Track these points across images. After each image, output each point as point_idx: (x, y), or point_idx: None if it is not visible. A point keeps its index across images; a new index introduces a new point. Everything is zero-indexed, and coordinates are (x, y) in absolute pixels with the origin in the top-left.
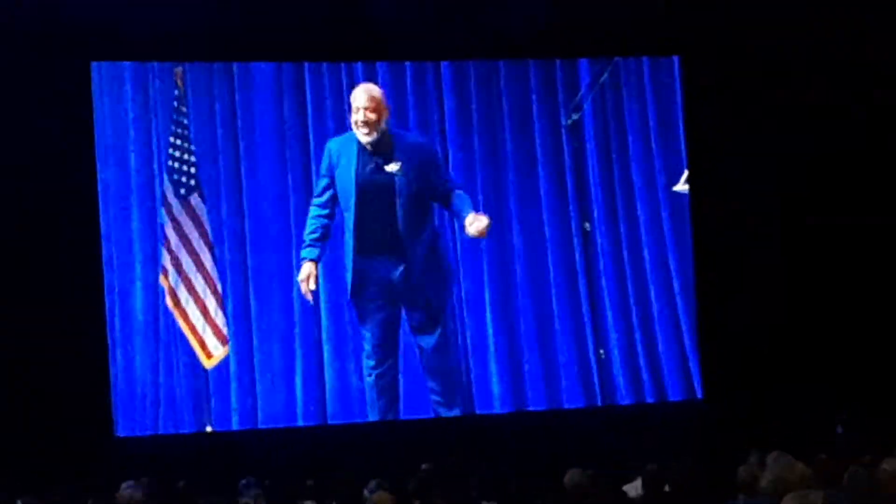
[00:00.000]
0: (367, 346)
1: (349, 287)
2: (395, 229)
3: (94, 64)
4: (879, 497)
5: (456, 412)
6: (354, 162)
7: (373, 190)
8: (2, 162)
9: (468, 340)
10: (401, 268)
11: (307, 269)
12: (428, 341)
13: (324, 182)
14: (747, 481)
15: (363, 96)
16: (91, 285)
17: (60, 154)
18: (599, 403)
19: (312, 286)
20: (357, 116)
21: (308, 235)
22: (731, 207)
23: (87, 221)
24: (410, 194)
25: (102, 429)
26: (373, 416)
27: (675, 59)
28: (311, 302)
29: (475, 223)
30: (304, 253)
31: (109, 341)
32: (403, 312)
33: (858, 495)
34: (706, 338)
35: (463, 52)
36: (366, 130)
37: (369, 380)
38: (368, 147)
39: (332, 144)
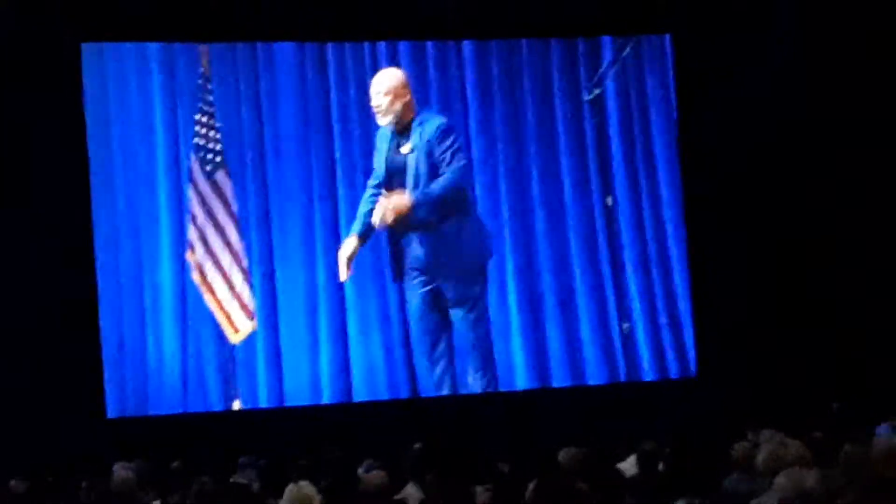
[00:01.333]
0: (413, 326)
1: (391, 268)
2: (414, 206)
3: (112, 45)
4: (873, 475)
5: (485, 388)
6: (386, 144)
7: (393, 170)
8: None
9: (490, 316)
10: (427, 244)
11: (349, 241)
12: (458, 315)
13: (374, 163)
14: (742, 459)
15: (375, 82)
16: (82, 266)
17: (57, 137)
18: (623, 379)
19: (349, 255)
20: (372, 102)
21: (359, 211)
22: (724, 189)
23: (80, 204)
24: (421, 173)
25: (95, 410)
26: (437, 392)
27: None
28: (347, 274)
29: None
30: (352, 227)
31: (130, 320)
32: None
33: (853, 473)
34: (701, 314)
35: (485, 30)
36: (380, 115)
37: (424, 360)
38: (393, 129)
39: (381, 129)
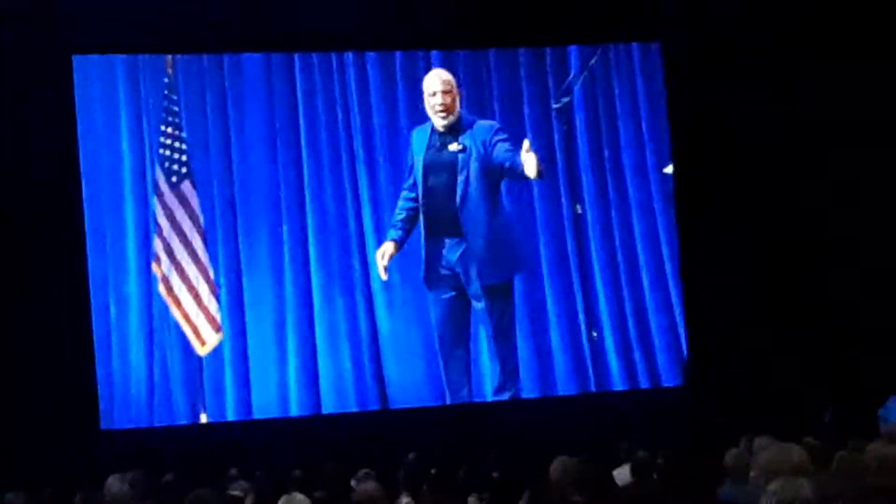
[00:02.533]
0: (435, 333)
1: (422, 272)
2: (455, 208)
3: (78, 57)
4: (867, 482)
5: (505, 396)
6: (426, 144)
7: (437, 168)
8: None
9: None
10: (462, 248)
11: (384, 247)
12: (487, 323)
13: (409, 168)
14: (735, 467)
15: (437, 80)
16: (76, 277)
17: (44, 147)
18: (593, 389)
19: (385, 262)
20: (434, 101)
21: (394, 217)
22: (716, 195)
23: (71, 213)
24: (471, 171)
25: (89, 422)
26: (449, 401)
27: (657, 44)
28: (384, 277)
29: (528, 162)
30: (388, 233)
31: (99, 332)
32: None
33: (847, 480)
34: (693, 323)
35: (452, 40)
36: (443, 114)
37: (443, 366)
38: (440, 129)
39: (414, 132)
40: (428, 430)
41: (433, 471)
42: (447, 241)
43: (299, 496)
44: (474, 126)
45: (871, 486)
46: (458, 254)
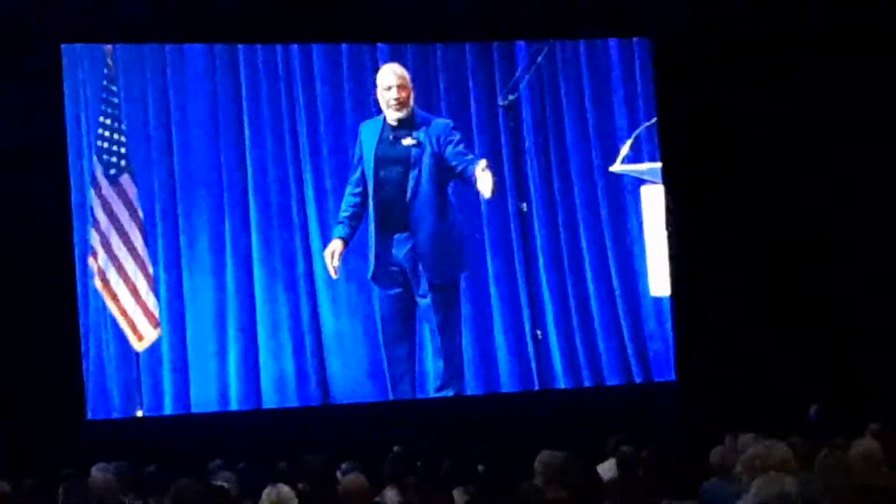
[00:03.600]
0: (380, 329)
1: (371, 268)
2: (405, 203)
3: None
4: (851, 480)
5: (449, 392)
6: (376, 137)
7: (389, 162)
8: None
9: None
10: (410, 245)
11: (332, 245)
12: (433, 320)
13: (355, 162)
14: (720, 463)
15: (392, 75)
16: (60, 268)
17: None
18: (536, 387)
19: (336, 263)
20: (389, 94)
21: (340, 214)
22: (704, 190)
23: (56, 206)
24: (424, 167)
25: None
26: (391, 396)
27: (612, 41)
28: (335, 277)
29: (483, 180)
30: (334, 230)
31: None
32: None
33: (830, 478)
34: (680, 318)
35: (399, 34)
36: (397, 107)
37: (386, 363)
38: (393, 123)
39: (363, 126)
40: (425, 421)
41: (418, 464)
42: (396, 236)
43: (284, 487)
44: (430, 123)
45: (854, 484)
46: (405, 250)
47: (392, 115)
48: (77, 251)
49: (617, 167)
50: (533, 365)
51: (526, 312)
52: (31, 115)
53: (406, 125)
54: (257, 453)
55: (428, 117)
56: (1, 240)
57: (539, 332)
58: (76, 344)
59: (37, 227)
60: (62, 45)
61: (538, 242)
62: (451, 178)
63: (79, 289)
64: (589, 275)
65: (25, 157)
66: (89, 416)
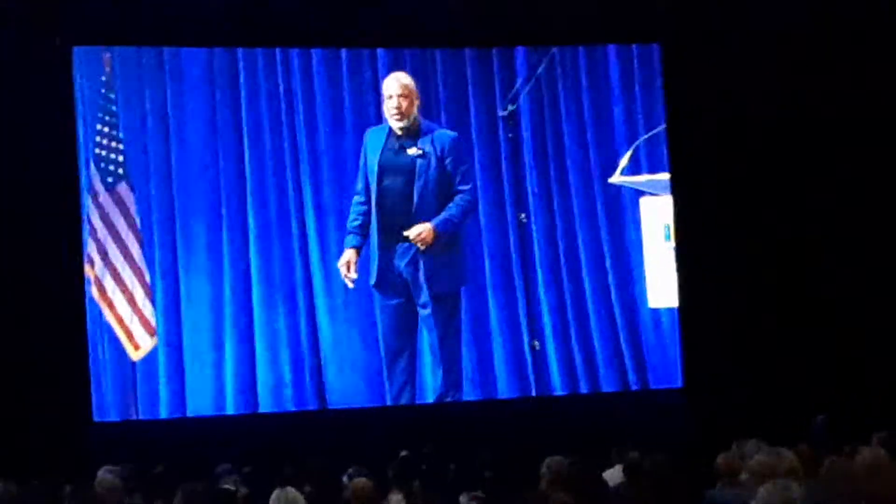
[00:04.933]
0: (381, 338)
1: (374, 276)
2: (410, 214)
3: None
4: (857, 488)
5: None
6: (381, 146)
7: (393, 171)
8: None
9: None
10: (411, 255)
11: (346, 255)
12: (433, 331)
13: (360, 171)
14: (726, 470)
15: (395, 84)
16: (68, 271)
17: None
18: (533, 394)
19: (352, 274)
20: (390, 104)
21: (349, 223)
22: (711, 199)
23: (66, 210)
24: (429, 178)
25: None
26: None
27: (611, 48)
28: (352, 286)
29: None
30: (345, 240)
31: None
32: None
33: (836, 486)
34: (686, 326)
35: (399, 39)
36: (398, 117)
37: (386, 372)
38: (397, 132)
39: (368, 133)
40: (429, 427)
41: (424, 468)
42: (398, 246)
43: (292, 490)
44: (434, 133)
45: (860, 493)
46: (407, 260)
47: (394, 124)
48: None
49: (616, 178)
50: (531, 375)
51: (524, 322)
52: (35, 121)
53: (411, 135)
54: (259, 457)
55: (433, 127)
56: (5, 245)
57: (536, 343)
58: (80, 349)
59: (41, 233)
60: (74, 48)
61: (537, 253)
62: (451, 190)
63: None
64: (587, 285)
65: (32, 162)
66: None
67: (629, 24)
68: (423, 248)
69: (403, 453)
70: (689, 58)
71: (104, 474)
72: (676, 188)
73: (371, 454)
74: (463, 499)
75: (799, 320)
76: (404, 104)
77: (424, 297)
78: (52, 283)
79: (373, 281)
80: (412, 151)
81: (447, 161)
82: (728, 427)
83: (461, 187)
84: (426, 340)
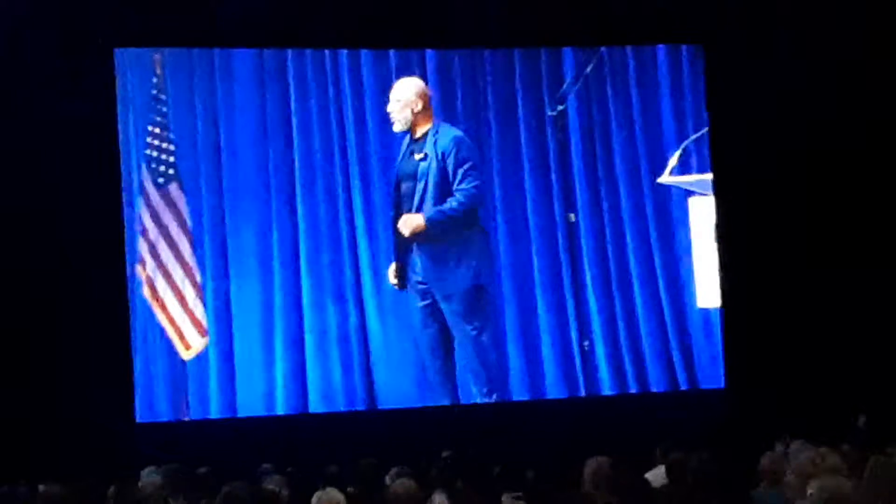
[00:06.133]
0: (420, 340)
1: (399, 280)
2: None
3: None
4: None
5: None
6: (402, 151)
7: (404, 177)
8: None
9: (493, 331)
10: (426, 256)
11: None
12: (460, 331)
13: None
14: (771, 470)
15: (393, 89)
16: (112, 271)
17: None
18: (583, 394)
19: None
20: (388, 108)
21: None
22: (755, 200)
23: (108, 209)
24: (429, 181)
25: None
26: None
27: (661, 48)
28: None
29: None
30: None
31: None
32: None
33: (880, 486)
34: (730, 326)
35: (448, 40)
36: (393, 122)
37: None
38: (409, 137)
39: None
40: (472, 427)
41: (467, 468)
42: (412, 248)
43: (333, 491)
44: (438, 133)
45: None
46: (418, 263)
47: (394, 127)
48: (128, 259)
49: (665, 178)
50: (580, 375)
51: (573, 323)
52: (83, 121)
53: (419, 139)
54: (304, 457)
55: (440, 128)
56: (53, 245)
57: (587, 343)
58: (127, 349)
59: (89, 234)
60: (115, 50)
61: (585, 253)
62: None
63: (129, 296)
64: (636, 285)
65: (80, 162)
66: (138, 420)
67: (676, 24)
68: (408, 234)
69: (446, 453)
70: (732, 59)
71: (148, 475)
72: (719, 189)
73: (414, 454)
74: (505, 499)
75: (841, 320)
76: (395, 108)
77: (441, 296)
78: (97, 284)
79: (401, 286)
80: (417, 156)
81: (447, 161)
82: (771, 428)
83: (462, 186)
84: (456, 340)
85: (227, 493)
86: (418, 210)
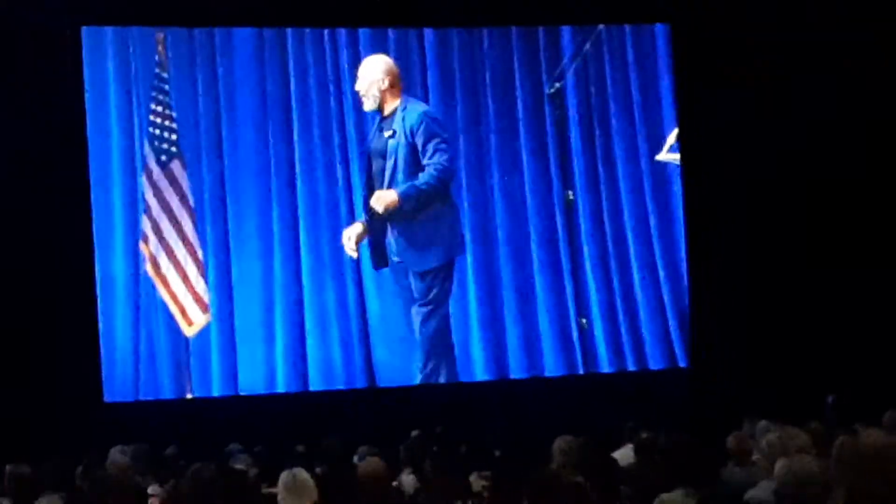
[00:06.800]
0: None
1: (371, 256)
2: None
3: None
4: (867, 467)
5: (442, 380)
6: (373, 128)
7: (374, 155)
8: None
9: (450, 309)
10: (401, 235)
11: (355, 226)
12: (420, 308)
13: None
14: (738, 449)
15: (360, 67)
16: (80, 252)
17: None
18: (581, 372)
19: (352, 245)
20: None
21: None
22: (723, 176)
23: (78, 189)
24: (398, 157)
25: (92, 395)
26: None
27: (659, 27)
28: (354, 257)
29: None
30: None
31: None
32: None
33: (846, 465)
34: (694, 306)
35: (446, 19)
36: (363, 100)
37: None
38: (379, 115)
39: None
40: (421, 408)
41: (435, 448)
42: (386, 227)
43: (301, 471)
44: (406, 110)
45: (870, 471)
46: (392, 240)
47: (364, 105)
48: (128, 236)
49: (663, 156)
50: (578, 351)
51: (571, 300)
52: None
53: (388, 117)
54: (275, 436)
55: (408, 105)
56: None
57: (584, 321)
58: (95, 330)
59: (58, 221)
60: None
61: (583, 230)
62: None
63: (131, 275)
64: (634, 262)
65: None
66: (140, 396)
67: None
68: (382, 211)
69: (414, 433)
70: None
71: (115, 454)
72: (687, 170)
73: (404, 433)
74: (473, 478)
75: (809, 301)
76: (363, 86)
77: (413, 274)
78: (64, 270)
79: (372, 263)
80: (387, 133)
81: (416, 137)
82: (738, 407)
83: (431, 160)
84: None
85: (194, 473)
86: (390, 187)
